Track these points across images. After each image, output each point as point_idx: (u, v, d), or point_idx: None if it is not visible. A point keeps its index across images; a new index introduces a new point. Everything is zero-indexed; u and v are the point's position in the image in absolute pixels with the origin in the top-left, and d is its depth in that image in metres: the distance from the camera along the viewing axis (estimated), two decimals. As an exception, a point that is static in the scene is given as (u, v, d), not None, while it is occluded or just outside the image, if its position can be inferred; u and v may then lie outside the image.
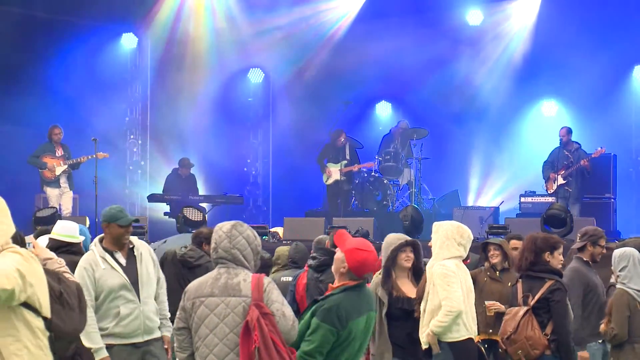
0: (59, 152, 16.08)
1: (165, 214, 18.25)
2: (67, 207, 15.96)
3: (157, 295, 7.31)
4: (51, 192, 16.00)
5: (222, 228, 5.48)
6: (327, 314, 5.54)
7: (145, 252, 7.29)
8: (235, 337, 5.28)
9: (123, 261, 7.16)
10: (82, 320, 5.27)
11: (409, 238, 7.23)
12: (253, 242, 5.49)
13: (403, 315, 7.15)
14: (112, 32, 19.41)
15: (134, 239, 7.30)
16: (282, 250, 9.54)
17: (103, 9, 18.65)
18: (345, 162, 17.87)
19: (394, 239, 7.24)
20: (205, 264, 8.42)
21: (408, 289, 7.22)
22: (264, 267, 9.05)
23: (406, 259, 7.20)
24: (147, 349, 7.13)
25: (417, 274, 7.33)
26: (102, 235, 7.25)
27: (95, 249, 7.15)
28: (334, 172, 17.80)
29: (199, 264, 8.85)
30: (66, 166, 16.00)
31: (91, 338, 6.93)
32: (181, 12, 19.89)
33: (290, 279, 8.86)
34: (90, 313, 6.93)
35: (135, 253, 7.21)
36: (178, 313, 5.48)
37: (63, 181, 16.06)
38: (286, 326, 5.34)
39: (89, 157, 15.84)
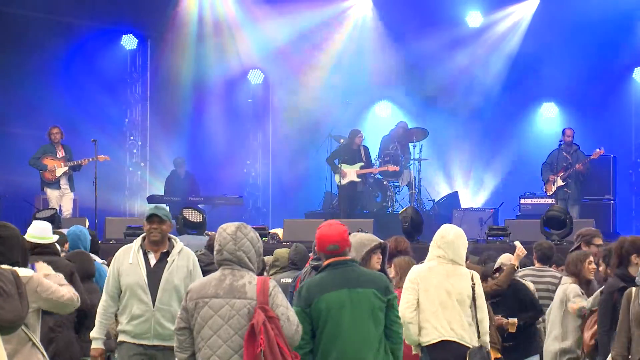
0: (60, 154, 15.99)
1: (165, 215, 18.22)
2: (67, 209, 15.92)
3: None
4: (51, 194, 15.92)
5: (227, 230, 5.49)
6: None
7: (182, 261, 7.14)
8: (239, 339, 5.29)
9: (153, 263, 7.12)
10: (24, 307, 5.30)
11: (381, 240, 7.17)
12: (256, 244, 5.53)
13: None
14: (112, 33, 19.41)
15: (178, 246, 7.19)
16: (281, 252, 9.51)
17: (103, 10, 18.67)
18: (362, 163, 17.53)
19: (367, 240, 7.12)
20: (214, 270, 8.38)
21: None
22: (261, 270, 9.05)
23: (378, 260, 7.10)
24: (155, 354, 7.07)
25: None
26: None
27: (134, 244, 7.16)
28: (350, 173, 17.37)
29: (208, 270, 8.83)
30: (67, 168, 15.94)
31: (96, 327, 7.11)
32: (181, 14, 19.89)
33: (289, 280, 8.86)
34: (105, 303, 7.11)
35: (168, 258, 7.11)
36: (179, 313, 5.48)
37: (64, 182, 15.96)
38: (290, 330, 5.40)
39: (90, 159, 15.83)
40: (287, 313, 5.41)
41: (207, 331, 5.33)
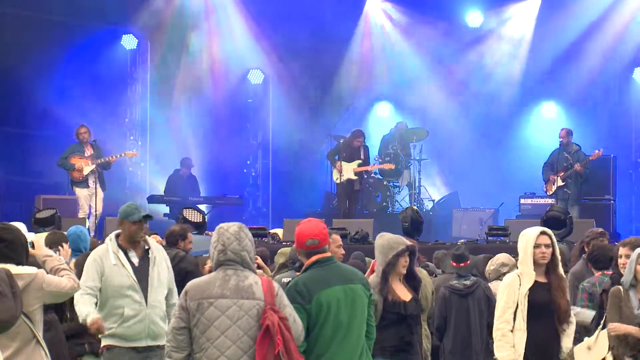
0: (88, 152, 15.84)
1: (165, 215, 18.24)
2: (98, 209, 15.63)
3: (168, 305, 7.10)
4: (80, 192, 15.72)
5: (229, 230, 5.46)
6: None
7: (160, 257, 7.15)
8: (249, 339, 5.28)
9: (136, 261, 7.05)
10: (17, 307, 5.28)
11: (408, 242, 7.05)
12: (253, 244, 5.54)
13: (398, 320, 7.00)
14: (112, 33, 19.40)
15: (152, 241, 7.20)
16: (285, 251, 9.50)
17: (103, 10, 18.65)
18: (360, 161, 17.36)
19: (395, 242, 7.01)
20: (178, 264, 8.21)
21: (402, 292, 7.06)
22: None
23: (404, 264, 7.01)
24: (148, 355, 6.99)
25: (410, 277, 7.16)
26: (119, 231, 7.16)
27: (110, 244, 7.07)
28: (347, 171, 17.16)
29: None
30: (94, 166, 15.74)
31: (82, 307, 6.83)
32: (181, 13, 19.88)
33: (290, 280, 8.85)
34: (89, 299, 6.90)
35: (150, 255, 7.07)
36: (178, 312, 5.41)
37: (92, 181, 15.73)
38: (297, 331, 5.42)
39: (118, 155, 15.84)
40: (293, 314, 5.43)
41: (213, 331, 5.29)
